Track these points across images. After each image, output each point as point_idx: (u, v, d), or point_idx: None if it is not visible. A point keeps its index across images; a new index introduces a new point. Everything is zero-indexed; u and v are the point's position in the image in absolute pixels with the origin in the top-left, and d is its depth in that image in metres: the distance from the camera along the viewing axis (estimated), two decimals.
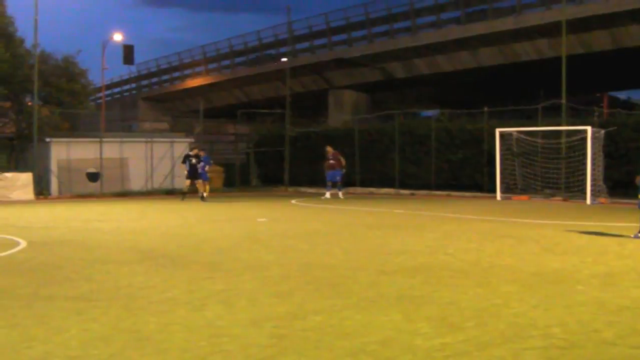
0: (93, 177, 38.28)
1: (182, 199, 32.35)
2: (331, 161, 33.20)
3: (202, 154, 33.59)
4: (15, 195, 33.66)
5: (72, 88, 44.39)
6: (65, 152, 37.03)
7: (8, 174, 34.53)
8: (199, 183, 32.93)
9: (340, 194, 32.75)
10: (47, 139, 37.52)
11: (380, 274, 11.38)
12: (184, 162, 32.95)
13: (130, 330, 7.79)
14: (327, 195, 33.01)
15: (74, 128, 46.25)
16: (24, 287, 10.46)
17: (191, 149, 33.93)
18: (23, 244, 15.81)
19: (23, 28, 47.75)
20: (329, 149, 33.84)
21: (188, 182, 33.14)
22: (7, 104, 42.76)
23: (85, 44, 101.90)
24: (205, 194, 32.66)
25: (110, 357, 6.80)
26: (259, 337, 7.42)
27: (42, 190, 35.74)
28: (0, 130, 43.81)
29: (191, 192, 33.26)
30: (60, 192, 36.87)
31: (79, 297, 9.63)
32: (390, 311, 8.62)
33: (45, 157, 37.10)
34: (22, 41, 41.87)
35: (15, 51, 40.65)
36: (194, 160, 32.48)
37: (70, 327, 7.94)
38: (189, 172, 32.68)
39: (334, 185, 33.21)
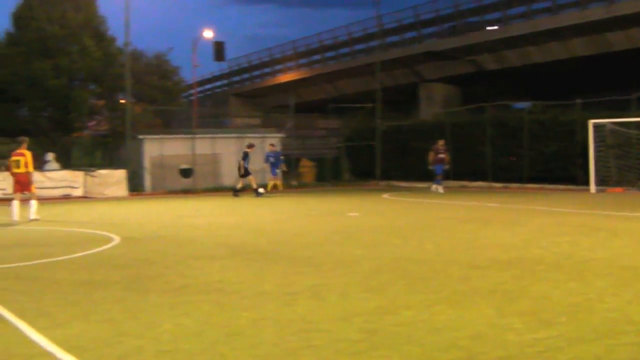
0: (186, 173, 38.69)
1: (238, 195, 32.43)
2: (441, 155, 32.98)
3: (271, 148, 34.38)
4: (110, 191, 34.25)
5: (164, 85, 45.07)
6: (158, 148, 37.47)
7: (102, 171, 35.13)
8: (271, 179, 33.83)
9: (439, 188, 32.48)
10: (140, 136, 38.04)
11: (472, 268, 11.23)
12: (243, 159, 33.04)
13: (222, 325, 7.81)
14: (440, 189, 32.68)
15: (167, 125, 46.90)
16: (117, 282, 10.60)
17: (248, 146, 33.85)
18: (117, 239, 16.05)
19: (115, 27, 48.48)
20: (441, 142, 33.70)
21: (251, 178, 33.08)
22: (101, 102, 43.59)
23: (177, 41, 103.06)
24: (268, 189, 33.06)
25: (201, 352, 6.82)
26: (349, 332, 7.37)
27: (135, 186, 36.27)
28: (94, 127, 44.74)
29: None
30: (153, 188, 37.37)
31: (171, 292, 9.71)
32: (482, 306, 8.49)
33: (139, 153, 37.61)
34: (113, 40, 42.60)
35: (108, 50, 41.39)
36: (272, 159, 32.77)
37: (162, 321, 8.00)
38: (246, 169, 32.85)
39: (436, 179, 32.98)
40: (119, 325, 7.85)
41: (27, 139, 22.48)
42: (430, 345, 6.85)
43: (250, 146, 33.61)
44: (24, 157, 21.58)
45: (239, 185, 33.17)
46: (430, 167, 33.21)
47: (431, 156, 33.28)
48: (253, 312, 8.36)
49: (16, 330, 7.78)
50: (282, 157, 35.82)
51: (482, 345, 6.85)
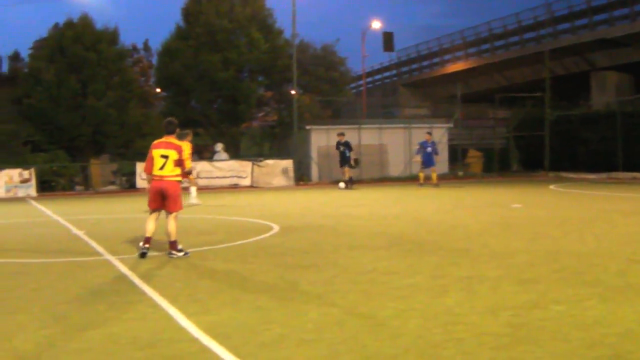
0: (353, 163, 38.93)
1: (351, 188, 31.90)
2: None
3: (428, 137, 32.89)
4: (276, 181, 34.85)
5: (331, 76, 45.38)
6: (325, 139, 37.80)
7: (269, 161, 35.75)
8: (422, 170, 32.76)
9: None
10: (307, 127, 38.51)
11: (632, 262, 10.82)
12: (337, 148, 32.61)
13: (366, 315, 7.79)
14: None
15: (336, 115, 47.27)
16: (270, 270, 10.74)
17: (339, 135, 33.02)
18: (276, 228, 16.30)
19: (282, 19, 49.38)
20: None
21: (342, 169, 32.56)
22: (269, 94, 44.36)
23: (344, 32, 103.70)
24: (421, 181, 32.26)
25: (342, 341, 6.81)
26: (494, 326, 7.22)
27: (302, 176, 36.74)
28: (263, 118, 45.57)
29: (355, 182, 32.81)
30: (319, 178, 37.75)
31: (322, 282, 9.76)
32: (636, 302, 8.15)
33: (306, 144, 38.09)
34: (281, 32, 43.25)
35: (275, 42, 42.06)
36: (342, 148, 31.98)
37: (308, 310, 8.05)
38: (341, 160, 32.35)
39: None
40: (266, 313, 7.95)
41: (189, 131, 23.14)
42: (577, 342, 6.63)
43: (340, 134, 33.05)
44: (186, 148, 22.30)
45: (347, 176, 32.67)
46: None
47: None
48: (400, 303, 8.30)
49: (167, 315, 8.00)
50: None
51: (630, 343, 6.57)
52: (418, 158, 33.12)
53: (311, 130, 38.46)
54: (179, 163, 12.36)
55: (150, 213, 12.46)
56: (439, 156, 33.65)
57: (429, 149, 32.58)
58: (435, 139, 34.53)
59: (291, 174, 35.49)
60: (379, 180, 37.48)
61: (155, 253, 12.55)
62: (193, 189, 23.40)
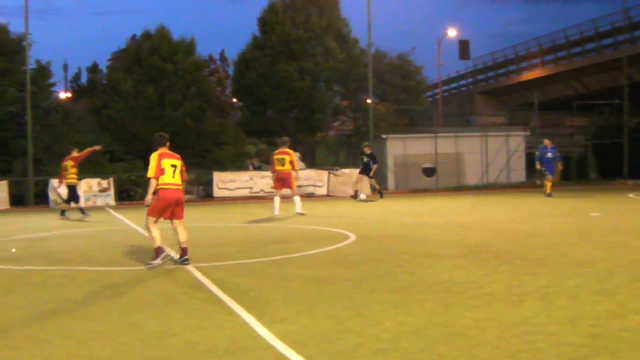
0: (429, 172, 38.81)
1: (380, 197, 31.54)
2: None
3: (549, 143, 30.49)
4: (352, 190, 34.76)
5: (407, 85, 45.31)
6: (401, 147, 37.77)
7: (346, 170, 35.78)
8: (545, 178, 30.72)
9: None
10: (384, 136, 38.52)
11: None
12: (361, 156, 31.73)
13: (444, 324, 7.73)
14: None
15: (412, 124, 47.21)
16: (345, 279, 10.71)
17: (364, 146, 32.45)
18: (352, 237, 16.28)
19: (357, 28, 49.47)
20: None
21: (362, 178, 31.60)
22: (345, 102, 44.50)
23: (420, 41, 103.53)
24: (547, 190, 29.87)
25: (419, 350, 6.77)
26: (573, 336, 7.11)
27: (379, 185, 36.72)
28: (339, 127, 45.66)
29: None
30: (396, 187, 37.68)
31: (398, 290, 9.72)
32: None
33: (382, 153, 38.05)
34: (356, 41, 43.46)
35: (350, 51, 42.22)
36: (365, 159, 31.31)
37: (385, 319, 8.01)
38: (361, 169, 31.66)
39: None
40: (342, 322, 7.93)
41: (288, 139, 23.31)
42: None
43: (366, 146, 32.23)
44: (288, 155, 22.41)
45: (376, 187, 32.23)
46: None
47: None
48: (477, 313, 8.22)
49: (244, 323, 8.03)
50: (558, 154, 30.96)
51: None
52: (538, 165, 30.91)
53: (387, 139, 38.48)
54: (182, 173, 12.84)
55: (155, 222, 12.62)
56: (559, 162, 31.09)
57: (549, 154, 30.25)
58: (512, 148, 34.16)
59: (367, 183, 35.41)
60: (456, 189, 37.27)
61: (227, 262, 12.67)
62: (297, 199, 22.93)
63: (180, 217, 12.75)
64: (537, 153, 31.50)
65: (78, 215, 24.81)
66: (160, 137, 13.01)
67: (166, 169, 12.49)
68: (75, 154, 24.90)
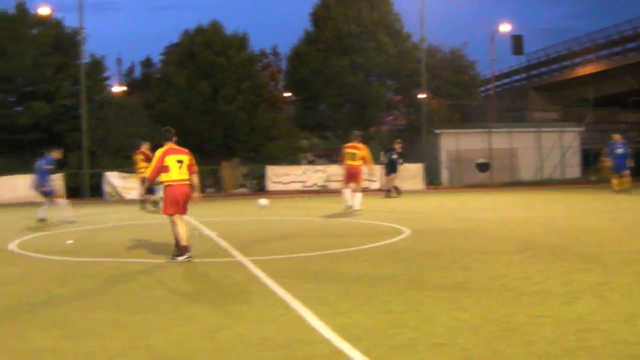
0: (483, 167, 38.63)
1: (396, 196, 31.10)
2: None
3: (619, 138, 29.67)
4: (406, 185, 34.71)
5: (460, 80, 45.13)
6: (455, 143, 37.63)
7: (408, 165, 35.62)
8: (613, 176, 29.77)
9: None
10: (437, 131, 38.39)
11: None
12: (388, 153, 31.75)
13: (499, 320, 7.66)
14: None
15: (465, 119, 46.99)
16: (401, 274, 10.68)
17: (396, 142, 32.24)
18: (407, 232, 16.25)
19: (410, 24, 49.43)
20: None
21: (389, 177, 31.63)
22: (398, 97, 44.41)
23: (473, 36, 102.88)
24: (620, 187, 28.88)
25: (475, 346, 6.72)
26: (628, 334, 7.00)
27: (432, 180, 36.58)
28: (392, 122, 45.58)
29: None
30: (450, 182, 37.54)
31: (453, 286, 9.66)
32: None
33: (435, 148, 37.96)
34: (409, 36, 43.36)
35: (403, 46, 42.15)
36: (394, 155, 30.95)
37: (440, 315, 7.96)
38: (387, 166, 31.46)
39: None
40: (397, 317, 7.90)
41: (360, 132, 23.16)
42: None
43: (398, 142, 32.21)
44: (359, 150, 22.24)
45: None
46: None
47: None
48: (532, 309, 8.14)
49: (298, 316, 8.03)
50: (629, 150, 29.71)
51: None
52: (608, 161, 29.88)
53: (440, 134, 38.36)
54: (190, 167, 12.83)
55: (179, 219, 12.65)
56: (631, 160, 29.54)
57: (620, 150, 29.09)
58: (565, 143, 33.80)
59: (421, 177, 35.29)
60: (510, 184, 37.02)
61: (281, 256, 12.72)
62: (359, 195, 22.50)
63: (185, 212, 12.90)
64: (605, 149, 30.54)
65: (151, 207, 24.82)
66: (167, 132, 13.15)
67: (171, 166, 12.54)
68: (144, 148, 24.82)
